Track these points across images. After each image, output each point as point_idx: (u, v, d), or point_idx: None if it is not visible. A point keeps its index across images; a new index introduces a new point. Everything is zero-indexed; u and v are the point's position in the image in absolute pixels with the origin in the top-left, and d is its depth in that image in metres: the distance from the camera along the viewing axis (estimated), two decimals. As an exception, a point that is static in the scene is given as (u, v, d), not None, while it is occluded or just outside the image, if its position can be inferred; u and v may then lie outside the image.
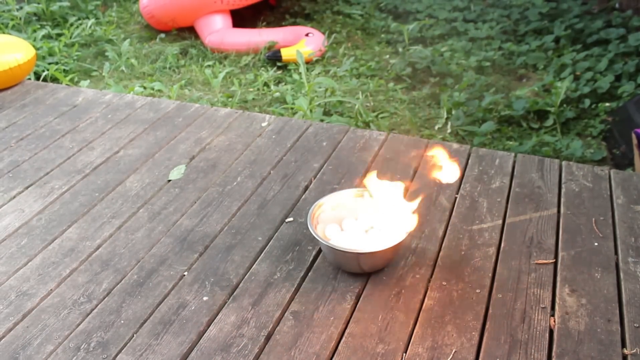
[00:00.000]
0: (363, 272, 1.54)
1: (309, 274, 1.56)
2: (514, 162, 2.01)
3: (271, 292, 1.50)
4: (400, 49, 3.92)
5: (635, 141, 2.36)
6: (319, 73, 3.58)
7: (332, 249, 1.51)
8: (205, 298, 1.49)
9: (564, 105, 2.98)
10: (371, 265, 1.52)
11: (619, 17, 3.82)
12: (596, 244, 1.63)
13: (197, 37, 4.10)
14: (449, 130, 2.99)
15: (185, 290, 1.52)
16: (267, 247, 1.66)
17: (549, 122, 2.94)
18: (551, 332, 1.37)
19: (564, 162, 1.98)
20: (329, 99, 3.01)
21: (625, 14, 3.89)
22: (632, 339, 1.35)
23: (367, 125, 2.95)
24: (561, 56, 3.52)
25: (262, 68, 3.70)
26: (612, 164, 2.63)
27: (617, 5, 4.14)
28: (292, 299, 1.48)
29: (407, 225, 1.53)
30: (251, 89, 3.45)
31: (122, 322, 1.43)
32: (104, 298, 1.51)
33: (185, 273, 1.58)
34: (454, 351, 1.32)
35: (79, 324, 1.43)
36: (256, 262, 1.60)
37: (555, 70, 3.36)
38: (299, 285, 1.52)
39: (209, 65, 3.70)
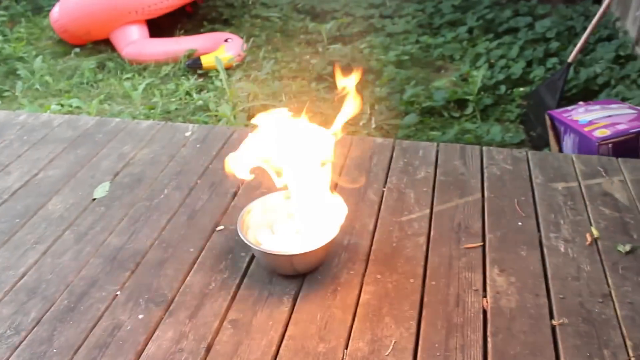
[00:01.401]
0: (298, 273, 1.54)
1: (244, 280, 1.55)
2: (437, 151, 2.07)
3: (207, 303, 1.48)
4: (320, 49, 3.96)
5: (549, 122, 2.48)
6: (240, 78, 3.56)
7: (265, 254, 1.51)
8: (140, 316, 1.45)
9: (482, 93, 3.10)
10: (305, 265, 1.53)
11: (525, 6, 4.01)
12: (520, 223, 1.70)
13: (113, 49, 3.98)
14: (373, 125, 3.04)
15: (120, 310, 1.47)
16: (200, 257, 1.64)
17: (469, 110, 3.04)
18: (485, 312, 1.42)
19: (484, 148, 2.06)
20: (252, 104, 2.99)
21: (531, 2, 4.09)
22: (559, 310, 1.42)
23: (293, 126, 2.96)
24: (475, 46, 3.66)
25: (183, 77, 3.64)
26: (530, 146, 2.75)
27: (522, -6, 4.34)
28: (229, 307, 1.47)
29: (337, 221, 1.54)
30: (173, 99, 3.39)
31: (55, 351, 1.37)
32: (32, 328, 1.44)
33: (118, 292, 1.53)
34: (393, 342, 1.34)
35: (7, 359, 1.37)
36: (190, 274, 1.58)
37: (471, 60, 3.49)
38: (235, 293, 1.51)
39: (128, 78, 3.60)
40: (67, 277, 1.59)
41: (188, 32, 4.25)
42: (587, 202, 1.78)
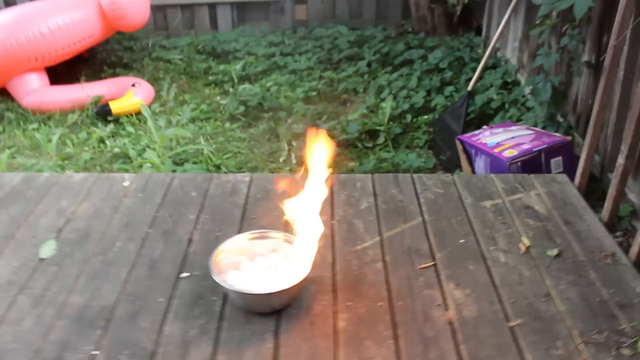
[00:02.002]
0: (273, 310, 1.61)
1: (223, 323, 1.58)
2: (373, 182, 2.22)
3: (192, 350, 1.50)
4: (228, 89, 4.03)
5: (460, 147, 2.74)
6: (164, 124, 3.55)
7: (243, 294, 1.57)
8: (124, 373, 1.45)
9: (390, 123, 3.33)
10: (282, 302, 1.60)
11: (415, 39, 4.36)
12: (462, 240, 1.89)
13: (11, 99, 3.79)
14: (294, 161, 3.16)
15: (101, 370, 1.46)
16: (172, 306, 1.65)
17: (381, 140, 3.25)
18: (451, 324, 1.57)
19: (414, 175, 2.25)
20: (182, 148, 3.01)
21: (419, 35, 4.44)
22: (513, 313, 1.60)
23: (217, 167, 3.01)
24: (376, 78, 3.91)
25: (92, 125, 3.55)
26: (442, 169, 3.00)
27: (409, 29, 4.71)
28: (215, 352, 1.50)
29: (306, 259, 1.64)
30: (86, 148, 3.30)
31: (39, 421, 1.34)
32: (7, 402, 1.39)
33: (96, 352, 1.51)
34: (378, 362, 1.46)
35: None
36: (166, 324, 1.58)
37: (374, 92, 3.73)
38: (217, 337, 1.54)
39: (34, 129, 3.45)
40: (33, 344, 1.54)
41: (89, 78, 4.15)
42: (514, 216, 2.02)
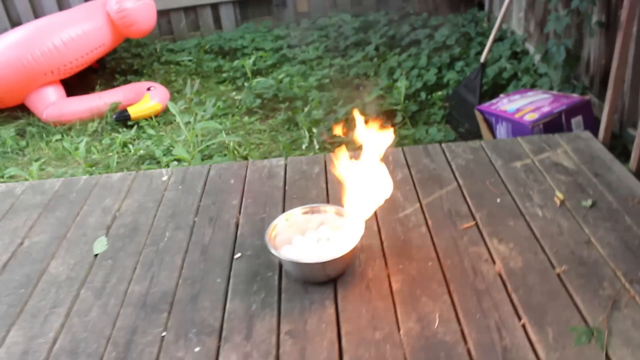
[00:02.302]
0: (329, 278, 1.68)
1: (282, 295, 1.66)
2: (404, 154, 2.29)
3: (257, 322, 1.57)
4: (241, 85, 4.10)
5: (480, 116, 2.80)
6: (189, 121, 3.62)
7: (299, 264, 1.64)
8: (197, 349, 1.51)
9: (406, 101, 3.39)
10: (336, 270, 1.67)
11: (419, 20, 4.42)
12: (498, 200, 1.96)
13: (30, 114, 3.87)
14: (316, 147, 3.22)
15: (173, 349, 1.52)
16: (230, 285, 1.72)
17: (399, 119, 3.32)
18: (500, 276, 1.64)
19: (443, 145, 2.32)
20: (211, 141, 3.08)
21: (422, 16, 4.50)
22: (556, 260, 1.67)
23: (245, 158, 3.08)
24: (386, 61, 3.97)
25: (113, 131, 3.62)
26: (462, 141, 3.06)
27: (412, 11, 4.76)
28: (279, 322, 1.57)
29: (356, 230, 1.70)
30: (110, 154, 3.37)
31: (124, 398, 1.41)
32: (90, 385, 1.46)
33: (164, 333, 1.58)
34: (437, 315, 1.52)
35: (76, 417, 1.38)
36: (228, 301, 1.66)
37: (386, 74, 3.79)
38: (279, 308, 1.61)
39: (57, 140, 3.53)
40: (103, 332, 1.61)
41: (103, 87, 4.22)
42: (545, 173, 2.08)
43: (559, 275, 1.62)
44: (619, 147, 2.55)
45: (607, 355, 1.37)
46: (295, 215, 1.81)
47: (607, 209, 1.87)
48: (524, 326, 1.47)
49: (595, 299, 1.53)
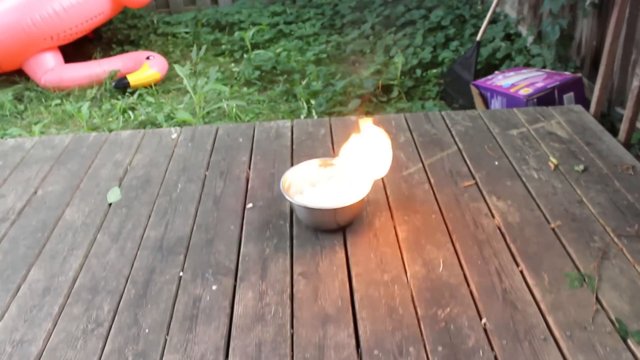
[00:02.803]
0: (338, 226, 1.77)
1: (294, 241, 1.75)
2: (406, 120, 2.39)
3: (271, 264, 1.66)
4: (239, 57, 4.16)
5: (475, 91, 2.91)
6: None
7: (311, 210, 1.73)
8: (214, 287, 1.60)
9: (402, 77, 3.49)
10: (345, 218, 1.76)
11: (414, 1, 4.51)
12: (496, 162, 2.07)
13: (27, 79, 3.88)
14: (315, 117, 3.30)
15: (191, 287, 1.61)
16: (244, 231, 1.81)
17: (395, 93, 3.41)
18: (499, 228, 1.75)
19: (443, 112, 2.42)
20: (216, 105, 3.14)
21: (418, -3, 4.60)
22: (551, 216, 1.78)
23: (246, 125, 3.15)
24: (382, 39, 4.06)
25: (112, 98, 3.66)
26: (457, 115, 3.17)
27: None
28: (292, 264, 1.66)
29: (364, 183, 1.80)
30: (110, 119, 3.42)
31: (147, 330, 1.48)
32: (113, 318, 1.52)
33: (181, 274, 1.66)
34: (442, 261, 1.63)
35: (103, 347, 1.44)
36: (242, 246, 1.74)
37: (382, 52, 3.88)
38: (291, 252, 1.71)
39: (57, 104, 3.56)
40: (122, 271, 1.69)
41: (100, 56, 4.24)
42: (540, 141, 2.20)
43: (553, 229, 1.74)
44: (607, 124, 2.67)
45: (597, 298, 1.49)
46: (307, 167, 1.90)
47: (597, 174, 1.99)
48: (521, 272, 1.58)
49: (586, 250, 1.65)
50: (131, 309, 1.55)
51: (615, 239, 1.68)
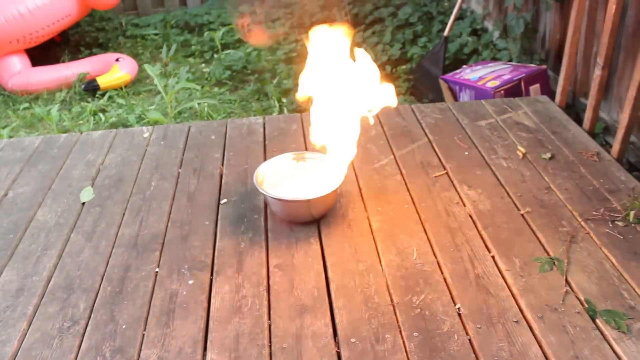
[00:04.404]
0: (313, 218, 1.79)
1: (269, 235, 1.76)
2: (377, 114, 2.42)
3: (246, 257, 1.67)
4: (209, 58, 4.15)
5: (444, 85, 2.95)
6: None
7: (286, 202, 1.74)
8: (190, 282, 1.60)
9: (372, 74, 3.52)
10: (319, 210, 1.78)
11: (382, -1, 4.56)
12: (466, 153, 2.11)
13: (-7, 83, 3.82)
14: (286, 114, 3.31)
15: (167, 282, 1.61)
16: (218, 226, 1.81)
17: (365, 90, 3.44)
18: (470, 216, 1.78)
19: (413, 106, 2.46)
20: (187, 105, 3.13)
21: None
22: (521, 203, 1.83)
23: (217, 125, 3.15)
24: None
25: (82, 101, 3.62)
26: (426, 110, 3.21)
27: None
28: (267, 257, 1.67)
29: (337, 175, 1.82)
30: (81, 121, 3.38)
31: (125, 326, 1.47)
32: (89, 315, 1.52)
33: (157, 269, 1.66)
34: (415, 249, 1.66)
35: (80, 345, 1.43)
36: (217, 241, 1.75)
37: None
38: (267, 245, 1.72)
39: (25, 108, 3.50)
40: (97, 269, 1.68)
41: (69, 59, 4.18)
42: (507, 131, 2.24)
43: (523, 215, 1.78)
44: (572, 115, 2.74)
45: (566, 280, 1.53)
46: (280, 161, 1.91)
47: (564, 161, 2.04)
48: (493, 257, 1.62)
49: (555, 235, 1.69)
50: (107, 306, 1.55)
51: (583, 223, 1.73)
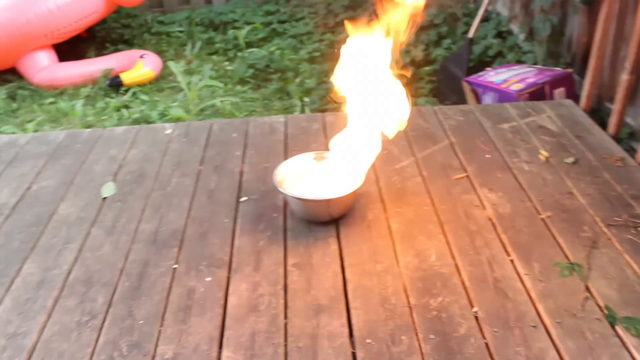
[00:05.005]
0: (331, 218, 1.79)
1: (288, 234, 1.76)
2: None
3: (264, 256, 1.68)
4: (233, 56, 4.17)
5: (467, 87, 2.93)
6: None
7: (305, 202, 1.74)
8: (208, 279, 1.61)
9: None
10: (338, 210, 1.78)
11: None
12: (488, 156, 2.09)
13: (20, 77, 3.88)
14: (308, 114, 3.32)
15: (185, 279, 1.62)
16: (237, 224, 1.82)
17: (388, 91, 3.43)
18: (490, 220, 1.77)
19: (436, 107, 2.44)
20: (210, 102, 3.15)
21: (410, -4, 4.62)
22: (542, 207, 1.81)
23: (240, 122, 3.16)
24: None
25: (106, 96, 3.67)
26: (449, 112, 3.19)
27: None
28: (285, 255, 1.67)
29: (357, 176, 1.81)
30: (104, 117, 3.42)
31: (142, 322, 1.49)
32: (107, 310, 1.53)
33: (175, 265, 1.67)
34: (433, 252, 1.65)
35: (97, 339, 1.44)
36: (236, 238, 1.76)
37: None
38: (285, 244, 1.72)
39: (51, 102, 3.56)
40: (116, 264, 1.70)
41: (94, 55, 4.24)
42: (530, 134, 2.22)
43: (543, 220, 1.76)
44: (597, 119, 2.70)
45: (586, 286, 1.51)
46: (301, 160, 1.91)
47: (587, 166, 2.01)
48: (512, 261, 1.60)
49: (576, 240, 1.67)
50: (125, 301, 1.56)
51: (604, 229, 1.70)
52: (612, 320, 1.40)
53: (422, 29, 4.08)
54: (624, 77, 2.14)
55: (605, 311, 1.42)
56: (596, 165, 2.01)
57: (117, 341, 1.44)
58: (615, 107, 2.22)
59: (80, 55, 4.25)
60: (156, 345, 1.42)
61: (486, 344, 1.36)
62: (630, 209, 1.78)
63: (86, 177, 2.12)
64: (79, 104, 3.27)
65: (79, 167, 2.19)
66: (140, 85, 3.75)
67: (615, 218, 1.74)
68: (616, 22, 2.52)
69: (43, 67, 3.78)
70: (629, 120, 2.52)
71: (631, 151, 2.47)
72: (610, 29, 2.53)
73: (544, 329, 1.39)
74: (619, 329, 1.37)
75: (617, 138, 2.24)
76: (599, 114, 2.72)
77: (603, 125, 2.38)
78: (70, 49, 4.27)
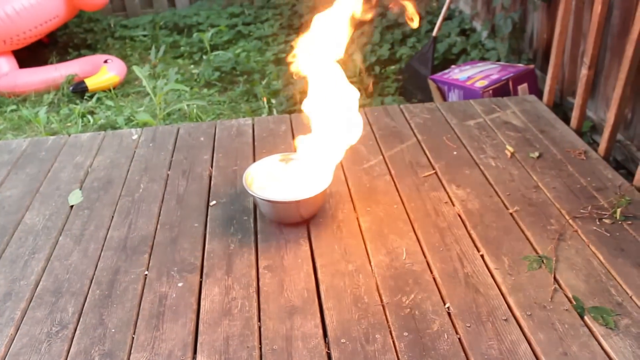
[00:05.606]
0: (302, 219, 1.79)
1: (259, 236, 1.76)
2: (365, 114, 2.42)
3: (236, 259, 1.67)
4: (198, 59, 4.14)
5: (433, 85, 2.96)
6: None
7: (275, 204, 1.74)
8: (180, 284, 1.60)
9: (361, 74, 3.53)
10: (308, 211, 1.78)
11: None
12: (455, 152, 2.12)
13: (-20, 85, 3.78)
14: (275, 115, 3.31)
15: (157, 285, 1.60)
16: (208, 228, 1.81)
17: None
18: (459, 216, 1.79)
19: (402, 106, 2.46)
20: (176, 106, 3.12)
21: (375, -4, 4.65)
22: (510, 202, 1.84)
23: (207, 126, 3.14)
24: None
25: (70, 102, 3.60)
26: (416, 110, 3.22)
27: (363, -9, 4.91)
28: (257, 258, 1.67)
29: (326, 176, 1.82)
30: (69, 124, 3.36)
31: (114, 330, 1.46)
32: (78, 320, 1.51)
33: (146, 272, 1.65)
34: (404, 249, 1.66)
35: (68, 349, 1.42)
36: (207, 243, 1.74)
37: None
38: (256, 247, 1.71)
39: (12, 110, 3.48)
40: (86, 272, 1.67)
41: (57, 61, 4.16)
42: (496, 130, 2.26)
43: (511, 214, 1.79)
44: (559, 113, 2.76)
45: (555, 278, 1.54)
46: (269, 162, 1.91)
47: (552, 160, 2.06)
48: (482, 256, 1.63)
49: (544, 233, 1.70)
50: (96, 309, 1.54)
51: (571, 221, 1.74)
52: (580, 311, 1.43)
53: (387, 27, 4.12)
54: (584, 72, 2.19)
55: (574, 302, 1.46)
56: (560, 159, 2.06)
57: (89, 351, 1.41)
58: (577, 101, 2.27)
59: (42, 61, 4.17)
60: (129, 353, 1.40)
61: (459, 339, 1.38)
62: (595, 201, 1.83)
63: (52, 186, 2.08)
64: (42, 111, 3.20)
65: (44, 176, 2.14)
66: (105, 90, 3.69)
67: (581, 210, 1.78)
68: (574, 18, 2.58)
69: (3, 73, 3.69)
70: (590, 114, 2.59)
71: (593, 144, 2.54)
72: (568, 25, 2.59)
73: (515, 322, 1.41)
74: (587, 318, 1.41)
75: (579, 132, 2.30)
76: (561, 109, 2.78)
77: (566, 119, 2.43)
78: (31, 54, 4.19)
